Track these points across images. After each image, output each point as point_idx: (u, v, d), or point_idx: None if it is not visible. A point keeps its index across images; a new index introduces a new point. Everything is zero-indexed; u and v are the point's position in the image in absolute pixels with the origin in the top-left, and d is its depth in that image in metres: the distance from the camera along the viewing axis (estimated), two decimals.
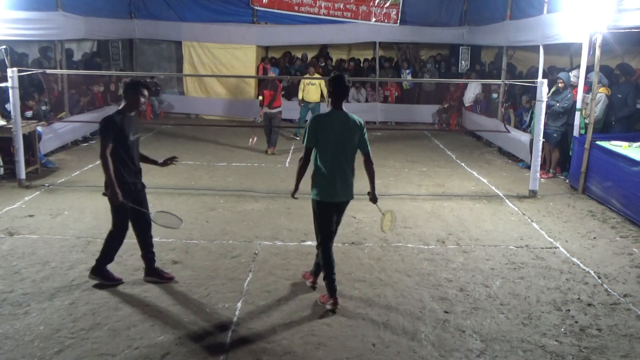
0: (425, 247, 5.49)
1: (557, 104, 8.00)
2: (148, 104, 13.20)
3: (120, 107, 4.41)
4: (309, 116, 10.75)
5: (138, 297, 4.28)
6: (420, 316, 4.06)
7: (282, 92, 13.46)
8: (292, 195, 4.31)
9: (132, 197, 4.37)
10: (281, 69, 13.94)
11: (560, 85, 8.08)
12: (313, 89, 10.62)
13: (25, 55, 9.94)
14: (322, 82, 10.55)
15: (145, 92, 4.46)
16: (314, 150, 4.05)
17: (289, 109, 13.27)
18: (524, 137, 8.98)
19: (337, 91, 4.07)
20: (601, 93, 7.64)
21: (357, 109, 13.37)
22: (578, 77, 7.93)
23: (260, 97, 9.85)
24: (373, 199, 4.28)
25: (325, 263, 4.18)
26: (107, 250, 4.44)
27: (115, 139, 4.21)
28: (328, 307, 4.11)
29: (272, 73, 12.81)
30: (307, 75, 10.81)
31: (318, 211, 4.14)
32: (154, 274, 4.54)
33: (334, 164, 4.02)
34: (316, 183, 4.08)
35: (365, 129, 4.13)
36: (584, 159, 7.27)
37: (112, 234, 4.42)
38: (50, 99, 9.43)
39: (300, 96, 10.88)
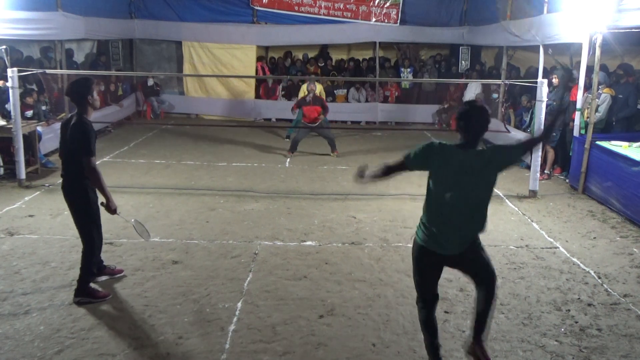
0: None
1: (554, 103, 8.02)
2: (148, 104, 13.22)
3: (77, 113, 4.05)
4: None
5: (138, 297, 4.28)
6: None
7: (283, 92, 13.53)
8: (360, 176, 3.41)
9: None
10: (280, 69, 13.95)
11: (554, 80, 8.12)
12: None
13: (30, 57, 9.94)
14: (321, 87, 10.56)
15: (95, 92, 4.11)
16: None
17: (289, 109, 13.22)
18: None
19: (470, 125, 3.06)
20: (606, 93, 7.64)
21: (357, 109, 13.42)
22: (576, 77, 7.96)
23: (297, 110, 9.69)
24: None
25: (422, 328, 3.32)
26: (87, 266, 4.22)
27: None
28: None
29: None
30: (308, 78, 10.81)
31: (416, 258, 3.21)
32: (87, 293, 4.21)
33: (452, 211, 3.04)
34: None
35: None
36: (584, 159, 7.27)
37: (88, 249, 4.20)
38: (50, 99, 9.42)
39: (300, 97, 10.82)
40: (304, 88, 10.45)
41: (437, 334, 3.28)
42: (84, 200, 4.11)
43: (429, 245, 3.08)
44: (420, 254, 3.15)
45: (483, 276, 3.16)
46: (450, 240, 3.05)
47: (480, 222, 3.08)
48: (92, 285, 4.27)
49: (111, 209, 4.14)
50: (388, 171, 3.24)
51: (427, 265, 3.18)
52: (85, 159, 3.95)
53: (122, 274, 4.64)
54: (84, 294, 4.17)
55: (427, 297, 3.26)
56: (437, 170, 3.03)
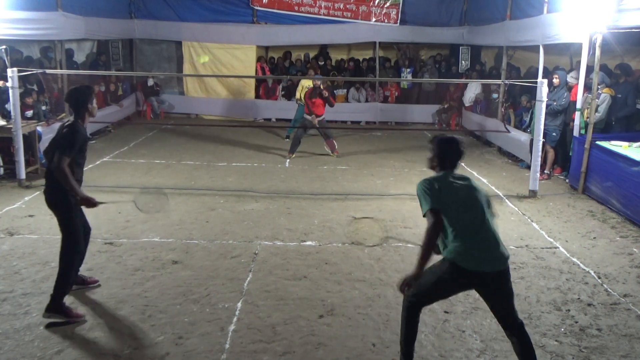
0: None
1: (554, 103, 8.02)
2: (148, 104, 13.22)
3: (73, 118, 3.99)
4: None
5: (138, 297, 4.28)
6: (420, 316, 4.05)
7: (283, 92, 13.53)
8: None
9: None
10: (280, 69, 13.95)
11: (555, 80, 8.12)
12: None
13: (30, 57, 9.94)
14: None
15: (94, 101, 4.07)
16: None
17: (289, 109, 13.27)
18: (524, 137, 8.98)
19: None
20: (606, 93, 7.64)
21: (357, 109, 13.43)
22: (575, 78, 7.96)
23: (301, 101, 9.69)
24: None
25: (408, 323, 3.29)
26: (66, 276, 3.87)
27: (79, 151, 3.91)
28: None
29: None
30: (307, 78, 10.80)
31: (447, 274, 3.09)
32: (60, 310, 3.87)
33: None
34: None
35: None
36: (584, 159, 7.27)
37: (70, 253, 3.90)
38: (50, 99, 9.42)
39: (297, 96, 10.86)
40: (303, 83, 10.47)
41: (414, 341, 3.30)
42: (66, 203, 3.90)
43: (467, 264, 3.01)
44: (455, 273, 3.04)
45: (512, 316, 3.14)
46: (489, 251, 3.05)
47: (497, 232, 3.16)
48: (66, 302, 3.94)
49: (90, 202, 3.88)
50: (434, 240, 3.05)
51: (455, 285, 3.17)
52: (58, 156, 3.77)
53: (96, 284, 4.41)
54: (57, 310, 3.82)
55: (425, 305, 3.31)
56: (448, 200, 3.07)
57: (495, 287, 3.09)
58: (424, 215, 3.06)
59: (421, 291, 3.17)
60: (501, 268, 3.05)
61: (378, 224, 3.75)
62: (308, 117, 9.32)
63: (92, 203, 3.90)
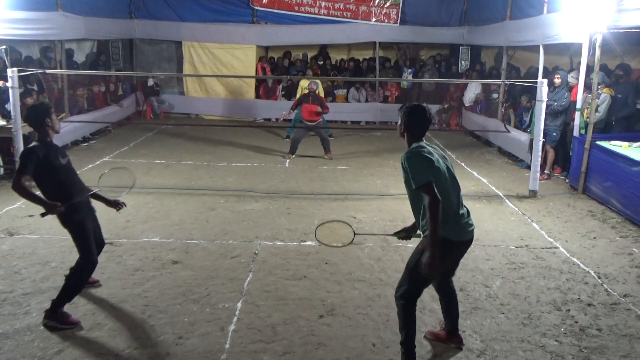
0: None
1: (555, 103, 8.02)
2: (148, 104, 13.22)
3: (38, 137, 3.96)
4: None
5: (138, 297, 4.28)
6: (421, 316, 4.05)
7: (283, 92, 13.53)
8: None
9: (86, 214, 4.00)
10: (280, 69, 13.94)
11: (556, 79, 8.12)
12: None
13: (30, 57, 9.94)
14: (321, 87, 10.60)
15: (54, 116, 3.97)
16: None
17: (288, 109, 13.26)
18: (524, 137, 8.98)
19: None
20: (605, 93, 7.64)
21: (357, 109, 13.43)
22: (575, 78, 7.96)
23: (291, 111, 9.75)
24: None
25: (407, 322, 3.26)
26: (75, 286, 3.89)
27: (45, 168, 3.82)
28: None
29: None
30: (307, 78, 10.84)
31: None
32: (56, 316, 3.85)
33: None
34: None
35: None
36: (584, 159, 7.27)
37: (83, 265, 3.90)
38: (50, 99, 9.42)
39: (297, 96, 10.84)
40: (302, 84, 10.47)
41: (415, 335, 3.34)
42: (69, 220, 3.89)
43: (456, 236, 3.18)
44: (445, 247, 3.08)
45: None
46: (467, 221, 3.26)
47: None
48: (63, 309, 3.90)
49: (53, 209, 3.78)
50: (438, 202, 2.99)
51: (453, 259, 3.35)
52: (15, 175, 3.83)
53: (97, 284, 4.41)
54: (55, 317, 3.82)
55: (419, 295, 3.33)
56: (438, 166, 3.15)
57: (463, 252, 3.38)
58: (418, 187, 3.01)
59: (411, 285, 3.23)
60: (473, 235, 3.31)
61: (342, 229, 3.72)
62: (308, 123, 9.27)
63: (52, 207, 3.78)
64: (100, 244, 4.22)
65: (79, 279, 3.89)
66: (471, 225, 3.29)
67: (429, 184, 2.99)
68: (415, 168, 3.07)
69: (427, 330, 3.81)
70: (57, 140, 9.41)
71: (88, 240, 3.92)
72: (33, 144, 3.94)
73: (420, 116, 3.32)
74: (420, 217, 3.21)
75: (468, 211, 3.33)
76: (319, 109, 9.21)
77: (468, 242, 3.30)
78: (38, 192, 3.91)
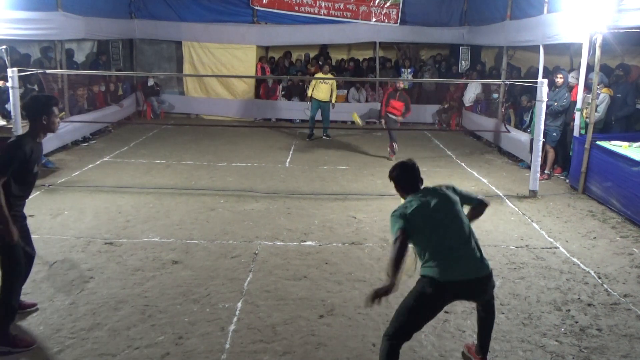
0: None
1: (555, 103, 8.02)
2: (148, 104, 13.22)
3: (27, 131, 3.56)
4: (319, 115, 10.89)
5: (138, 297, 4.27)
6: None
7: (283, 92, 13.54)
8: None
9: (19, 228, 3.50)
10: (280, 69, 13.95)
11: (559, 79, 8.12)
12: (325, 87, 10.73)
13: (28, 55, 9.94)
14: (334, 82, 10.78)
15: (57, 112, 3.58)
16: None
17: (289, 109, 13.31)
18: (524, 137, 8.98)
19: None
20: (604, 93, 7.64)
21: (357, 109, 13.40)
22: (576, 78, 7.96)
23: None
24: None
25: None
26: (10, 301, 3.45)
27: (19, 171, 3.39)
28: None
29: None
30: (321, 74, 10.98)
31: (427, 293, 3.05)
32: (5, 339, 3.45)
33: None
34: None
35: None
36: (584, 159, 7.27)
37: (11, 277, 3.45)
38: None
39: (309, 93, 10.93)
40: (312, 83, 10.75)
41: None
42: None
43: (447, 276, 2.99)
44: (436, 291, 3.01)
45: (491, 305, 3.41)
46: (467, 259, 3.06)
47: (475, 240, 3.15)
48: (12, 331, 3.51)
49: (10, 237, 3.35)
50: (402, 256, 2.97)
51: (437, 303, 3.09)
52: None
53: (34, 308, 3.97)
54: (2, 341, 3.42)
55: (408, 337, 3.09)
56: (421, 223, 3.05)
57: (481, 290, 3.16)
58: (395, 241, 2.98)
59: (401, 324, 3.03)
60: (484, 273, 3.09)
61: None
62: (392, 116, 9.55)
63: (10, 237, 3.34)
64: (30, 253, 3.81)
65: (11, 291, 3.47)
66: (471, 265, 3.06)
67: (396, 238, 2.99)
68: (391, 226, 3.10)
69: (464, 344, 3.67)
70: (58, 140, 9.48)
71: (17, 251, 3.47)
72: (20, 135, 3.54)
73: (403, 172, 3.28)
74: (419, 258, 3.16)
75: (474, 250, 3.10)
76: (403, 108, 9.47)
77: (462, 282, 3.03)
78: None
